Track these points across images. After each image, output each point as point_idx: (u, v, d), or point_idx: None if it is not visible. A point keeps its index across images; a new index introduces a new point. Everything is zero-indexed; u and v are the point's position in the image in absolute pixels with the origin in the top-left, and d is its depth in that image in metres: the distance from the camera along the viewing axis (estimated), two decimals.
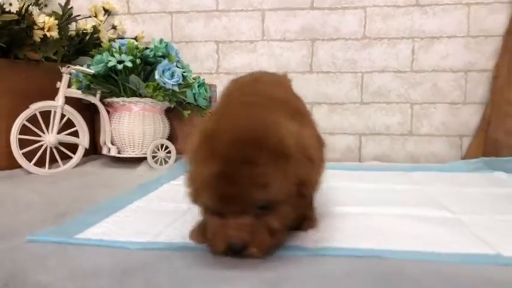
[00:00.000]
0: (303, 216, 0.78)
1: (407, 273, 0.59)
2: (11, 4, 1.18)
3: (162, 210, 0.92)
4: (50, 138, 1.39)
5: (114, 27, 1.69)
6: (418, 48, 1.58)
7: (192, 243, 0.71)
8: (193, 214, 0.79)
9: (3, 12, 1.19)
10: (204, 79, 1.56)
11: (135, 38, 1.63)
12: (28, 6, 1.27)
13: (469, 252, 0.67)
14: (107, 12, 1.67)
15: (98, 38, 1.60)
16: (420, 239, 0.73)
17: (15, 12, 1.20)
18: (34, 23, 1.28)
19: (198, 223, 0.74)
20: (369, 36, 1.60)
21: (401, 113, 1.61)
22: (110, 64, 1.40)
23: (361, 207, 0.93)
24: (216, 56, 1.70)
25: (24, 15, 1.27)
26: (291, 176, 0.60)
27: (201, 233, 0.72)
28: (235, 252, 0.61)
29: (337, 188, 1.12)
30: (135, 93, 1.45)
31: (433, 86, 1.59)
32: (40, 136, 1.39)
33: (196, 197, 0.64)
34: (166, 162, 1.49)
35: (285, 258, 0.65)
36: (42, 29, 1.30)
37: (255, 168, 0.57)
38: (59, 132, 1.41)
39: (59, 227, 0.81)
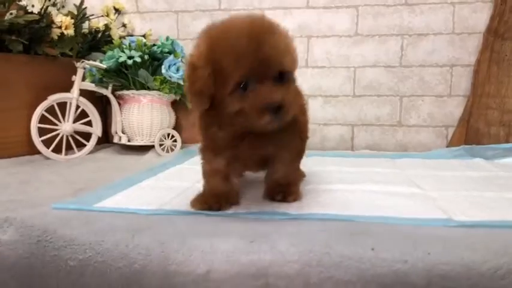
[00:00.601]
0: (288, 188, 0.91)
1: (371, 231, 0.71)
2: (33, 6, 1.31)
3: (168, 187, 1.04)
4: (66, 127, 1.51)
5: (124, 25, 1.80)
6: (406, 45, 1.69)
7: (192, 210, 0.83)
8: (194, 190, 0.91)
9: (26, 12, 1.32)
10: None
11: (144, 36, 1.75)
12: (47, 7, 1.40)
13: (426, 217, 0.79)
14: (117, 11, 1.78)
15: (109, 35, 1.71)
16: (389, 208, 0.84)
17: (36, 12, 1.33)
18: (52, 22, 1.41)
19: (198, 194, 0.87)
20: (361, 34, 1.71)
21: (391, 105, 1.72)
22: (121, 59, 1.51)
23: (344, 185, 1.04)
24: None
25: (43, 15, 1.40)
26: (296, 53, 0.76)
27: (201, 201, 0.84)
28: (275, 112, 0.70)
29: (327, 171, 1.23)
30: (143, 86, 1.57)
31: (420, 79, 1.69)
32: (57, 125, 1.50)
33: (226, 67, 0.71)
34: (172, 149, 1.61)
35: (266, 221, 0.77)
36: (60, 27, 1.42)
37: (277, 40, 0.72)
38: (74, 121, 1.52)
39: (78, 198, 0.93)
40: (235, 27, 0.73)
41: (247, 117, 0.72)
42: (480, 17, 1.62)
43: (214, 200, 0.83)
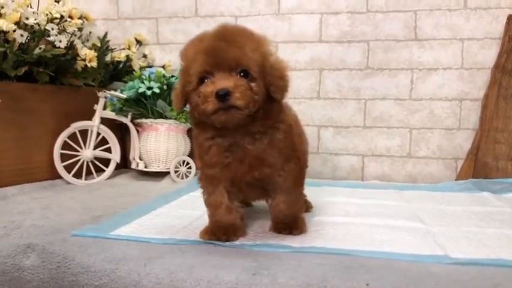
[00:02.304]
0: (294, 223, 0.95)
1: (368, 266, 0.75)
2: (60, 41, 1.40)
3: (180, 215, 1.10)
4: (87, 153, 1.59)
5: (144, 56, 1.89)
6: (416, 78, 1.73)
7: (201, 240, 0.88)
8: (205, 219, 0.96)
9: (54, 47, 1.41)
10: None
11: (163, 67, 1.84)
12: (73, 41, 1.49)
13: (423, 253, 0.83)
14: (138, 42, 1.87)
15: (130, 66, 1.81)
16: (388, 243, 0.88)
17: (63, 47, 1.42)
18: (77, 55, 1.50)
19: (207, 225, 0.92)
20: (372, 67, 1.76)
21: (401, 137, 1.76)
22: (140, 90, 1.59)
23: (348, 218, 1.09)
24: None
25: (69, 49, 1.49)
26: (261, 53, 0.81)
27: (209, 232, 0.89)
28: (221, 98, 0.75)
29: (335, 203, 1.27)
30: (161, 116, 1.64)
31: (430, 112, 1.73)
32: (78, 151, 1.58)
33: (190, 66, 0.80)
34: (186, 176, 1.67)
35: (269, 253, 0.81)
36: (84, 60, 1.51)
37: (235, 40, 0.79)
38: (94, 148, 1.60)
39: (96, 226, 0.99)
40: (205, 32, 0.82)
41: (199, 107, 0.79)
42: (488, 53, 1.66)
43: (221, 231, 0.88)
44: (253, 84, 0.79)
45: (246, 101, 0.77)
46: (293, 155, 0.91)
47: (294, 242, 0.88)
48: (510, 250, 0.85)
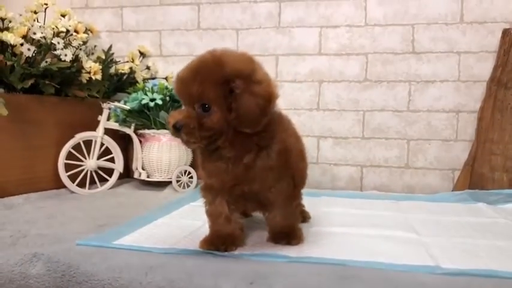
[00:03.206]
0: (291, 233, 0.98)
1: (360, 276, 0.77)
2: (66, 55, 1.44)
3: (181, 225, 1.12)
4: (91, 163, 1.62)
5: (148, 68, 1.93)
6: (414, 91, 1.77)
7: (201, 250, 0.91)
8: (205, 229, 0.99)
9: (60, 60, 1.45)
10: None
11: (166, 78, 1.88)
12: (78, 54, 1.53)
13: (415, 263, 0.86)
14: (142, 54, 1.92)
15: (134, 78, 1.85)
16: (382, 253, 0.90)
17: (68, 61, 1.46)
18: (82, 67, 1.54)
19: (206, 235, 0.95)
20: (370, 79, 1.80)
21: (399, 148, 1.79)
22: (144, 102, 1.63)
23: (345, 228, 1.11)
24: None
25: (74, 61, 1.53)
26: (227, 85, 0.81)
27: (208, 242, 0.92)
28: (176, 131, 0.82)
29: (333, 213, 1.29)
30: (164, 126, 1.67)
31: (427, 124, 1.76)
32: (82, 161, 1.62)
33: None
34: (188, 186, 1.70)
35: (267, 263, 0.84)
36: (89, 72, 1.55)
37: (199, 73, 0.81)
38: (98, 158, 1.63)
39: (100, 235, 1.02)
40: (193, 59, 0.85)
41: None
42: (484, 66, 1.69)
43: (220, 241, 0.91)
44: (206, 120, 0.82)
45: (192, 136, 0.82)
46: (286, 174, 0.92)
47: (291, 252, 0.91)
48: (501, 261, 0.88)
